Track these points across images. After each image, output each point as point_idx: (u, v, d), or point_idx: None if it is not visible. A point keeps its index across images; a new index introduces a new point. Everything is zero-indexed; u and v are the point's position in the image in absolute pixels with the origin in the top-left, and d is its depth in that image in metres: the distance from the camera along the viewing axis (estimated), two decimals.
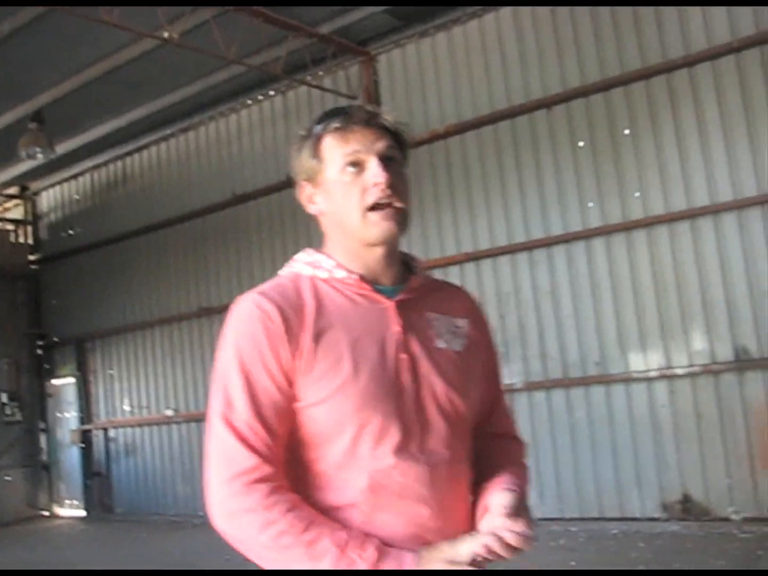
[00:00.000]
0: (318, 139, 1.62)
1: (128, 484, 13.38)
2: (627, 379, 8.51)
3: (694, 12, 8.15)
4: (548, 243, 9.05)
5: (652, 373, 8.35)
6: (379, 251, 1.62)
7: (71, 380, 14.55)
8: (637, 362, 8.49)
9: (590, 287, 8.77)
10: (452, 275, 9.67)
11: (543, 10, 9.12)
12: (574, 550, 7.58)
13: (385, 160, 1.58)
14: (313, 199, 1.66)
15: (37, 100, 10.87)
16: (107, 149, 13.37)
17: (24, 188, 15.42)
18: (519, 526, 1.43)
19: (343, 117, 1.61)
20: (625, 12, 8.55)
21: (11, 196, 15.61)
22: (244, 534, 1.45)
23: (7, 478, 14.13)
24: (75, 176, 14.58)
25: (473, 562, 1.40)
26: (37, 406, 14.97)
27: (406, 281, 1.67)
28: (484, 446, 1.73)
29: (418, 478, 1.52)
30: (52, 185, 15.10)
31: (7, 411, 14.52)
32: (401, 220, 1.60)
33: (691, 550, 7.09)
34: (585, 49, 8.84)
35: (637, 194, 8.51)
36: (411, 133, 1.70)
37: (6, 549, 11.04)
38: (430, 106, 10.00)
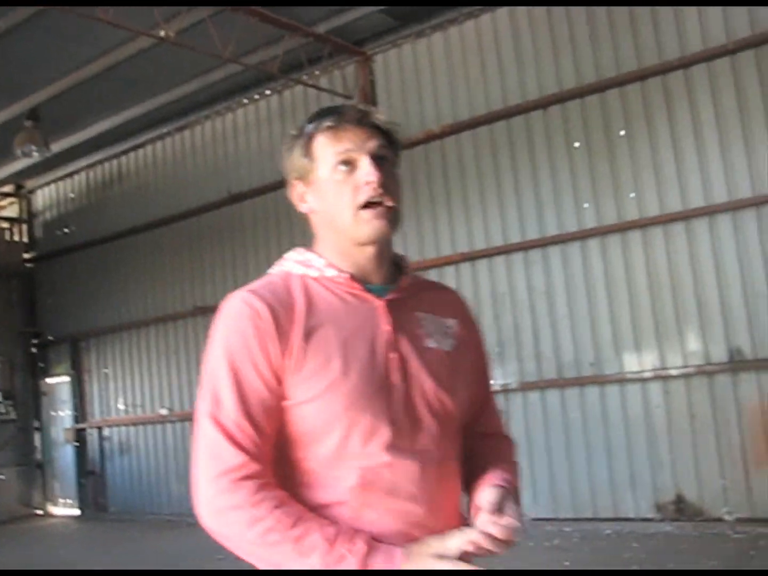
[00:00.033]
0: (310, 137, 1.62)
1: (122, 483, 13.37)
2: (621, 380, 8.53)
3: (690, 14, 8.17)
4: (543, 243, 9.06)
5: (647, 374, 8.36)
6: (369, 250, 1.62)
7: (66, 379, 14.53)
8: (631, 363, 8.51)
9: (585, 288, 8.79)
10: (448, 275, 9.69)
11: (539, 11, 9.13)
12: (568, 550, 7.59)
13: (377, 159, 1.59)
14: (304, 197, 1.66)
15: (32, 98, 10.85)
16: (103, 148, 13.36)
17: (19, 186, 15.40)
18: (504, 520, 1.45)
19: (335, 116, 1.61)
20: (621, 13, 8.57)
21: (6, 194, 15.59)
22: (232, 531, 1.45)
23: (0, 476, 14.11)
24: (70, 174, 14.56)
25: (462, 556, 1.41)
26: (31, 404, 14.95)
27: (397, 281, 1.68)
28: (474, 445, 1.74)
29: (408, 475, 1.52)
30: (48, 183, 15.08)
31: (2, 409, 14.49)
32: (393, 219, 1.60)
33: (685, 550, 7.10)
34: (581, 49, 8.86)
35: (632, 195, 8.53)
36: (403, 134, 1.70)
37: (0, 548, 11.03)
38: (426, 106, 10.01)
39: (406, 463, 1.53)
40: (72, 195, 14.74)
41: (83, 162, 13.99)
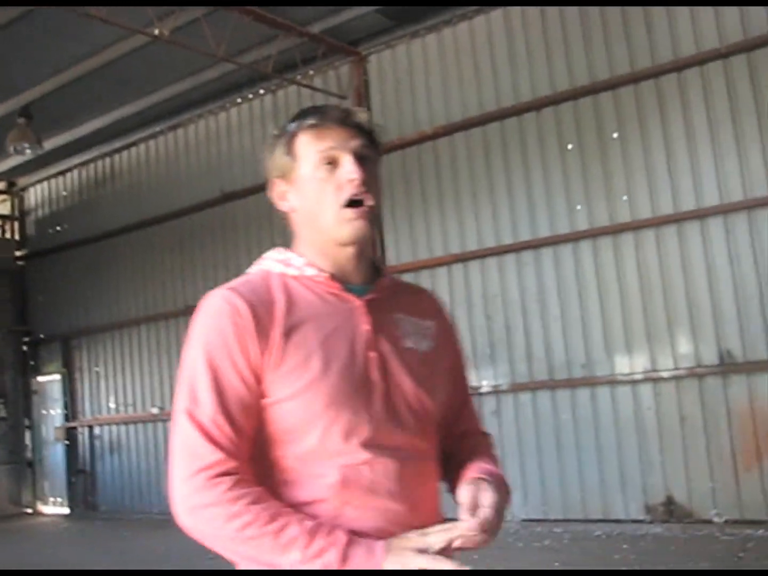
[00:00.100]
0: (292, 136, 1.63)
1: (113, 481, 13.35)
2: (612, 382, 8.56)
3: (683, 18, 8.20)
4: (536, 245, 9.08)
5: (638, 376, 8.39)
6: (349, 250, 1.62)
7: (57, 377, 14.49)
8: (622, 365, 8.53)
9: (577, 290, 8.81)
10: (440, 276, 9.71)
11: (533, 14, 9.15)
12: (558, 551, 7.61)
13: (360, 159, 1.59)
14: (285, 196, 1.66)
15: (25, 95, 10.83)
16: (96, 146, 13.34)
17: (11, 184, 15.37)
18: (481, 513, 1.45)
19: (318, 115, 1.62)
20: (614, 16, 8.60)
21: None
22: (209, 528, 1.44)
23: None
24: (63, 172, 14.53)
25: (442, 552, 1.42)
26: (22, 402, 14.91)
27: (375, 281, 1.68)
28: (454, 445, 1.75)
29: (388, 473, 1.53)
30: (40, 181, 15.04)
31: None
32: (373, 219, 1.61)
33: (674, 552, 7.12)
34: (574, 52, 8.88)
35: (624, 198, 8.55)
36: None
37: None
38: (420, 107, 10.02)
39: (386, 461, 1.53)
40: (64, 193, 14.70)
41: (76, 160, 13.96)
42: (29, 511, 14.54)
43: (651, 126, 8.41)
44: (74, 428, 14.14)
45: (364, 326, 1.59)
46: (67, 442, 14.13)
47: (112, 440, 13.48)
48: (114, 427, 13.47)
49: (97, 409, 13.83)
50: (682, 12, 8.20)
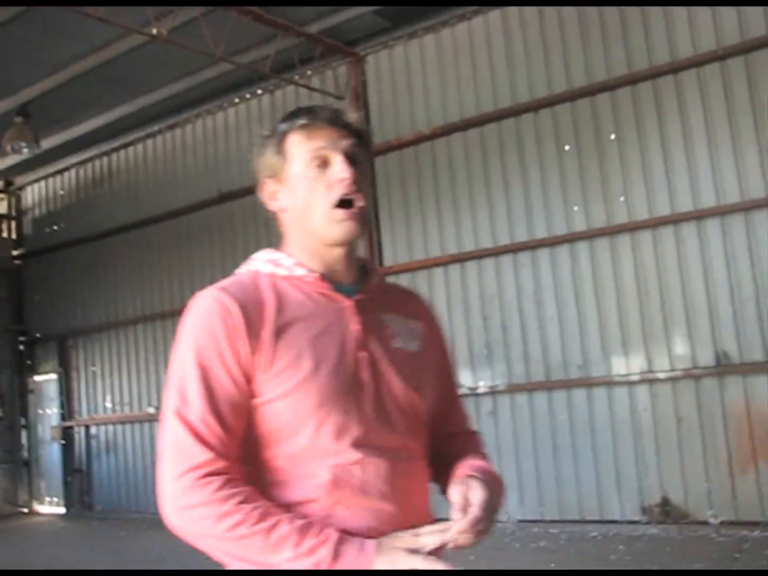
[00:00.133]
0: (283, 136, 1.63)
1: (109, 481, 13.33)
2: (609, 383, 8.57)
3: (680, 19, 8.22)
4: (533, 246, 9.09)
5: (634, 377, 8.40)
6: (339, 250, 1.63)
7: (53, 376, 14.47)
8: (619, 366, 8.54)
9: (574, 290, 8.82)
10: (437, 277, 9.72)
11: (531, 15, 9.16)
12: (554, 551, 7.62)
13: (350, 158, 1.60)
14: (275, 196, 1.67)
15: (23, 94, 10.82)
16: (93, 145, 13.33)
17: (9, 183, 15.35)
18: (471, 511, 1.45)
19: (309, 115, 1.63)
20: (612, 18, 8.61)
21: None
22: (198, 527, 1.43)
23: None
24: (60, 172, 14.52)
25: (434, 551, 1.42)
26: (18, 402, 14.89)
27: (364, 282, 1.69)
28: (444, 445, 1.76)
29: (378, 473, 1.53)
30: (37, 180, 15.02)
31: None
32: (363, 220, 1.62)
33: (670, 553, 7.14)
34: (572, 53, 8.89)
35: (621, 199, 8.57)
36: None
37: None
38: (417, 108, 10.03)
39: (377, 461, 1.53)
40: (61, 192, 14.69)
41: (73, 159, 13.95)
42: (25, 510, 14.52)
43: (648, 127, 8.42)
44: (70, 428, 14.12)
45: (354, 326, 1.60)
46: (63, 441, 14.11)
47: (109, 440, 13.47)
48: (110, 427, 13.46)
49: (93, 409, 13.81)
50: (680, 14, 8.22)
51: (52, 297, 14.51)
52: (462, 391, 9.33)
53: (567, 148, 8.94)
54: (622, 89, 8.59)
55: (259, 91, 11.44)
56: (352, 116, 1.66)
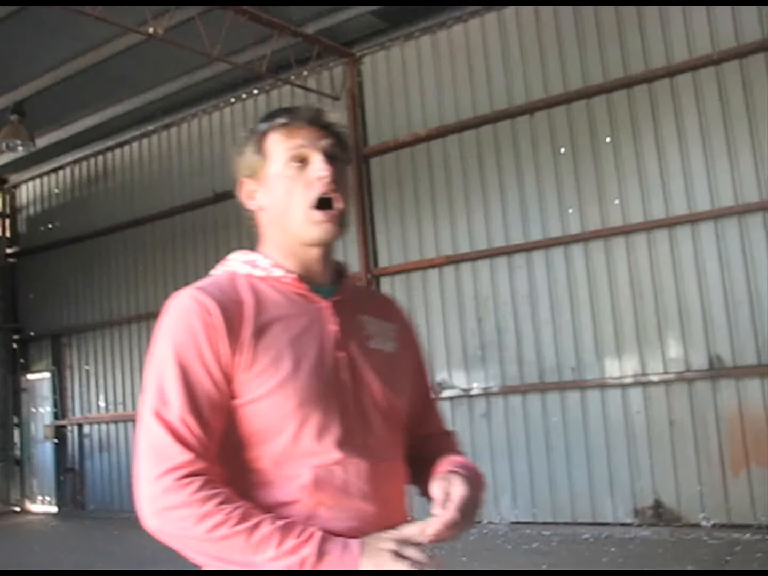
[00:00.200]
0: (263, 135, 1.63)
1: (101, 480, 13.30)
2: (602, 385, 8.58)
3: (677, 23, 8.24)
4: (527, 248, 9.11)
5: (627, 380, 8.42)
6: (316, 251, 1.63)
7: (46, 375, 14.43)
8: (612, 368, 8.56)
9: (568, 293, 8.83)
10: (431, 278, 9.73)
11: (527, 17, 9.18)
12: (547, 553, 7.63)
13: (330, 158, 1.60)
14: (253, 195, 1.66)
15: (18, 92, 10.80)
16: (88, 144, 13.31)
17: (3, 181, 15.30)
18: (451, 504, 1.46)
19: (289, 114, 1.63)
20: (608, 21, 8.63)
21: None
22: (178, 529, 1.41)
23: None
24: (55, 170, 14.49)
25: (416, 546, 1.42)
26: (11, 400, 14.85)
27: (339, 283, 1.69)
28: (421, 447, 1.76)
29: (359, 473, 1.53)
30: (32, 178, 15.00)
31: None
32: (342, 222, 1.62)
33: (661, 555, 7.15)
34: (568, 56, 8.91)
35: (616, 201, 8.58)
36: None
37: None
38: (413, 109, 10.03)
39: (358, 461, 1.53)
40: (56, 191, 14.66)
41: (68, 158, 13.93)
42: (17, 509, 14.48)
43: (643, 131, 8.44)
44: (63, 426, 14.09)
45: (332, 327, 1.60)
46: (56, 440, 14.08)
47: (102, 439, 13.44)
48: (103, 426, 13.43)
49: (86, 408, 13.78)
50: (676, 18, 8.25)
51: (46, 295, 14.48)
52: (456, 392, 9.36)
53: (562, 150, 8.95)
54: (617, 92, 8.61)
55: (255, 91, 11.44)
56: (333, 116, 1.67)
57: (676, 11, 8.24)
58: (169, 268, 12.43)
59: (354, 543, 1.41)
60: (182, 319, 1.52)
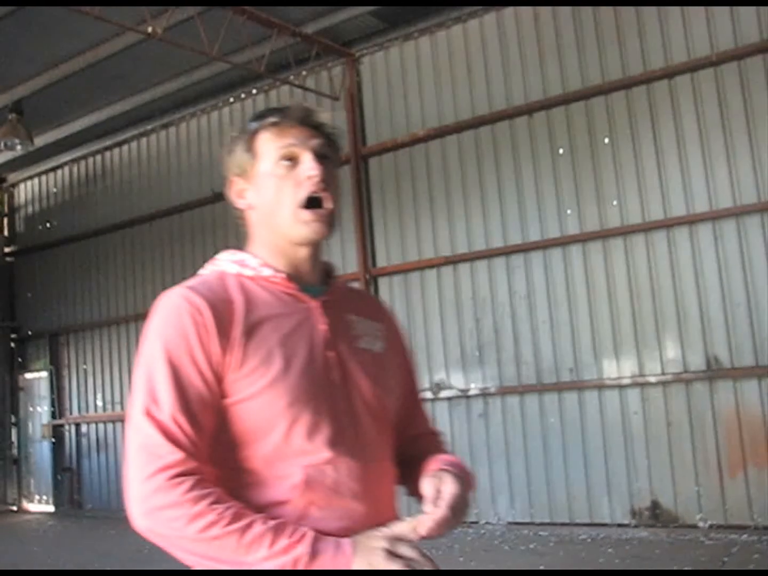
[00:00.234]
0: (253, 134, 1.64)
1: (99, 480, 13.29)
2: (600, 386, 8.59)
3: (675, 25, 8.25)
4: (525, 248, 9.11)
5: (625, 381, 8.42)
6: (305, 251, 1.63)
7: (44, 374, 14.42)
8: (610, 369, 8.56)
9: (566, 294, 8.84)
10: (429, 278, 9.73)
11: (526, 18, 9.18)
12: (544, 554, 7.63)
13: (320, 157, 1.60)
14: (243, 194, 1.66)
15: (16, 90, 10.78)
16: (87, 143, 13.30)
17: (1, 180, 15.30)
18: (442, 501, 1.46)
19: (279, 114, 1.63)
20: (607, 22, 8.64)
21: None
22: (169, 529, 1.39)
23: None
24: (53, 169, 14.48)
25: (408, 542, 1.42)
26: (8, 399, 14.84)
27: (328, 283, 1.70)
28: (409, 447, 1.76)
29: (350, 473, 1.53)
30: (30, 177, 14.99)
31: None
32: (331, 222, 1.62)
33: (659, 556, 7.16)
34: (567, 57, 8.92)
35: (614, 203, 8.59)
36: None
37: None
38: (412, 110, 10.04)
39: (349, 461, 1.53)
40: (54, 190, 14.65)
41: (67, 157, 13.92)
42: (14, 508, 14.47)
43: (642, 132, 8.45)
44: (61, 426, 14.08)
45: (322, 326, 1.60)
46: (53, 439, 14.06)
47: (99, 438, 13.43)
48: (101, 425, 13.42)
49: (84, 407, 13.77)
50: (675, 20, 8.25)
51: (44, 294, 14.48)
52: (453, 392, 9.37)
53: (561, 151, 8.96)
54: (616, 93, 8.61)
55: (254, 91, 11.44)
56: (324, 116, 1.66)
57: (675, 13, 8.25)
58: (167, 267, 12.43)
59: (346, 542, 1.41)
60: (173, 318, 1.51)
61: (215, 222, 11.75)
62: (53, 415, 14.15)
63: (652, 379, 8.26)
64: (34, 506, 14.36)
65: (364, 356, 1.65)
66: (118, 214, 13.17)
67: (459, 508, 1.49)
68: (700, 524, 7.82)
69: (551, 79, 9.01)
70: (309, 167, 1.58)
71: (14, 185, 15.40)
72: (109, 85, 10.82)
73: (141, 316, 12.60)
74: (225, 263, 1.66)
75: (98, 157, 13.73)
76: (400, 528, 1.45)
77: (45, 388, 14.38)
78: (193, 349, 1.48)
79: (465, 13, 9.57)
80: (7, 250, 15.32)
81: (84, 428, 13.75)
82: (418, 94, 10.00)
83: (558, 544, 7.98)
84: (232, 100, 11.71)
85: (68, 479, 13.76)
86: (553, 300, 8.91)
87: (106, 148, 13.48)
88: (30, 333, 14.77)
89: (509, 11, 9.32)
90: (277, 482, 1.50)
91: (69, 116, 11.98)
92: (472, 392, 9.34)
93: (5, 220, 15.50)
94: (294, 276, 1.62)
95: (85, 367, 13.80)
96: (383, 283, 10.13)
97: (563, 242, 8.86)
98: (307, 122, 1.63)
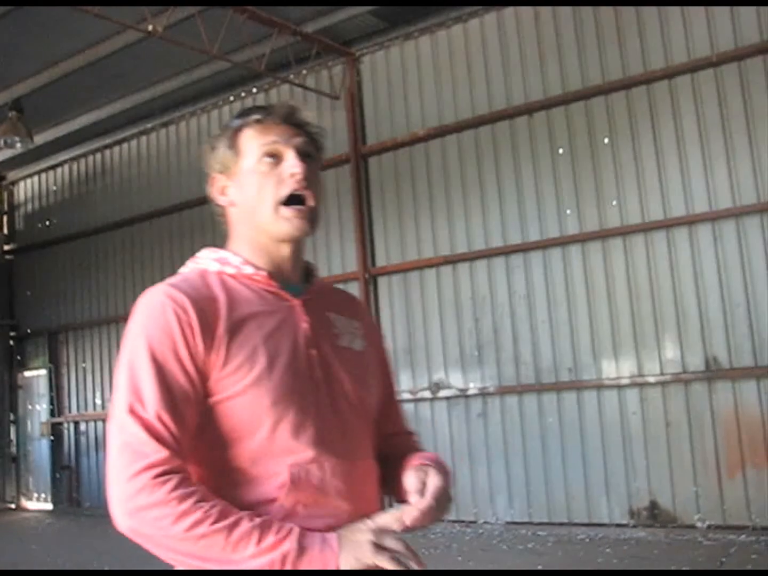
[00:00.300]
0: (236, 131, 1.64)
1: (97, 478, 13.27)
2: (599, 386, 8.59)
3: (676, 25, 8.25)
4: (525, 248, 9.11)
5: (624, 381, 8.42)
6: (286, 248, 1.63)
7: (43, 372, 14.42)
8: (609, 369, 8.56)
9: (565, 294, 8.84)
10: (428, 278, 9.73)
11: (527, 18, 9.18)
12: (542, 554, 7.64)
13: (303, 156, 1.61)
14: (225, 191, 1.67)
15: (16, 88, 10.78)
16: (87, 141, 13.30)
17: (1, 178, 15.29)
18: (428, 493, 1.48)
19: (263, 112, 1.64)
20: (607, 22, 8.63)
21: None
22: (154, 528, 1.38)
23: None
24: (53, 167, 14.48)
25: (393, 533, 1.43)
26: (7, 397, 14.83)
27: (309, 281, 1.70)
28: (386, 446, 1.76)
29: (335, 472, 1.53)
30: (30, 175, 14.98)
31: None
32: (313, 219, 1.62)
33: (657, 556, 7.16)
34: (567, 57, 8.91)
35: (614, 203, 8.59)
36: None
37: None
38: (412, 109, 10.03)
39: (334, 459, 1.53)
40: (54, 188, 14.64)
41: (66, 155, 13.91)
42: (13, 506, 14.46)
43: (642, 132, 8.45)
44: (60, 424, 14.08)
45: (304, 324, 1.60)
46: (52, 437, 14.06)
47: (98, 436, 13.42)
48: (100, 424, 13.40)
49: (83, 405, 13.77)
50: (675, 20, 8.25)
51: (43, 292, 14.47)
52: (452, 392, 9.37)
53: (561, 151, 8.96)
54: (616, 93, 8.61)
55: (254, 90, 11.44)
56: (308, 115, 1.67)
57: (675, 13, 8.25)
58: (166, 265, 12.41)
59: (332, 537, 1.42)
60: (156, 315, 1.50)
61: (215, 221, 11.69)
62: (52, 413, 14.15)
63: (651, 380, 8.27)
64: (32, 504, 14.36)
65: (345, 354, 1.66)
66: (117, 212, 13.16)
67: (443, 500, 1.50)
68: (699, 524, 7.83)
69: (551, 79, 9.01)
70: (292, 165, 1.59)
71: (14, 183, 15.40)
72: (109, 84, 10.82)
73: None
74: (206, 261, 1.67)
75: (98, 156, 13.73)
76: (384, 519, 1.46)
77: (44, 386, 14.37)
78: (177, 346, 1.47)
79: (465, 12, 9.57)
80: (6, 248, 15.30)
81: (83, 426, 13.75)
82: (419, 94, 10.00)
83: (556, 544, 7.99)
84: (232, 98, 11.71)
85: (67, 477, 13.76)
86: (553, 300, 8.91)
87: (106, 147, 13.48)
88: (29, 331, 14.77)
89: (509, 11, 9.32)
90: (263, 481, 1.50)
91: (69, 114, 11.98)
92: (470, 392, 9.34)
93: (5, 218, 15.48)
94: (275, 274, 1.63)
95: (84, 365, 13.80)
96: (382, 282, 10.13)
97: (563, 242, 8.86)
98: (291, 120, 1.64)
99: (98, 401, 13.48)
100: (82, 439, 13.71)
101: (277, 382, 1.50)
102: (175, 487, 1.38)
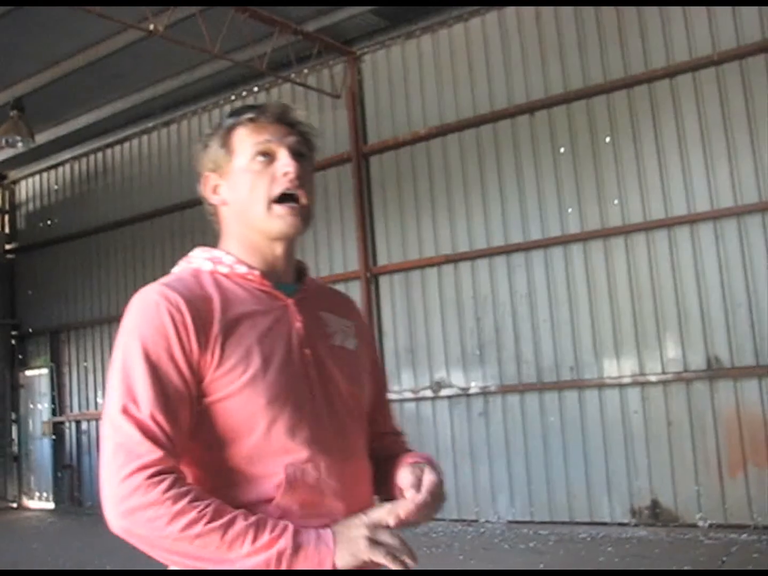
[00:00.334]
0: (229, 130, 1.63)
1: (99, 477, 13.28)
2: (600, 385, 8.58)
3: (677, 24, 8.24)
4: (526, 247, 9.10)
5: (626, 380, 8.42)
6: (279, 247, 1.63)
7: (44, 371, 14.43)
8: (610, 368, 8.56)
9: (567, 292, 8.83)
10: (430, 277, 9.73)
11: (528, 17, 9.18)
12: (543, 552, 7.63)
13: (296, 155, 1.60)
14: (217, 190, 1.67)
15: (18, 87, 10.79)
16: (88, 140, 13.30)
17: (2, 177, 15.31)
18: (424, 488, 1.49)
19: (256, 111, 1.63)
20: (609, 21, 8.63)
21: None
22: (149, 529, 1.37)
23: None
24: (54, 166, 14.48)
25: (388, 528, 1.43)
26: (8, 396, 14.84)
27: (301, 281, 1.70)
28: (377, 445, 1.76)
29: (330, 472, 1.53)
30: (32, 175, 14.99)
31: None
32: (306, 217, 1.61)
33: (658, 555, 7.16)
34: (569, 56, 8.91)
35: (615, 202, 8.58)
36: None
37: None
38: (413, 108, 10.03)
39: (328, 459, 1.53)
40: (55, 187, 14.65)
41: (68, 154, 13.92)
42: (14, 505, 14.48)
43: (643, 131, 8.44)
44: (61, 423, 14.09)
45: (297, 324, 1.60)
46: (53, 436, 14.07)
47: (100, 435, 13.40)
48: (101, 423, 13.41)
49: (84, 404, 13.78)
50: (676, 19, 8.25)
51: (45, 292, 14.48)
52: (454, 391, 9.37)
53: (562, 150, 8.95)
54: (618, 92, 8.61)
55: (256, 89, 11.44)
56: (300, 115, 1.66)
57: (676, 12, 8.24)
58: (168, 265, 12.15)
59: (327, 533, 1.42)
60: (150, 314, 1.49)
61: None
62: (53, 413, 14.16)
63: (653, 379, 8.26)
64: (34, 503, 14.37)
65: (339, 353, 1.66)
66: (119, 211, 13.17)
67: (438, 497, 1.51)
68: (700, 523, 7.83)
69: (553, 78, 9.00)
70: (285, 163, 1.58)
71: (15, 182, 15.40)
72: (110, 83, 10.82)
73: None
74: (199, 260, 1.66)
75: (99, 155, 13.73)
76: (378, 513, 1.46)
77: (45, 385, 14.38)
78: (171, 346, 1.46)
79: (467, 11, 9.56)
80: (7, 247, 15.32)
81: (84, 425, 13.76)
82: (420, 93, 10.00)
83: (558, 543, 7.98)
84: (233, 98, 11.70)
85: (68, 476, 13.77)
86: (554, 299, 8.91)
87: (107, 146, 13.48)
88: (30, 330, 14.77)
89: (511, 10, 9.31)
90: (259, 481, 1.49)
91: (70, 114, 11.98)
92: (472, 391, 9.34)
93: (6, 218, 15.50)
94: (268, 273, 1.62)
95: (85, 364, 13.81)
96: (384, 281, 10.13)
97: (564, 241, 8.86)
98: (284, 120, 1.63)
99: (100, 400, 13.48)
100: (84, 438, 13.72)
101: (272, 382, 1.50)
102: (170, 487, 1.37)
